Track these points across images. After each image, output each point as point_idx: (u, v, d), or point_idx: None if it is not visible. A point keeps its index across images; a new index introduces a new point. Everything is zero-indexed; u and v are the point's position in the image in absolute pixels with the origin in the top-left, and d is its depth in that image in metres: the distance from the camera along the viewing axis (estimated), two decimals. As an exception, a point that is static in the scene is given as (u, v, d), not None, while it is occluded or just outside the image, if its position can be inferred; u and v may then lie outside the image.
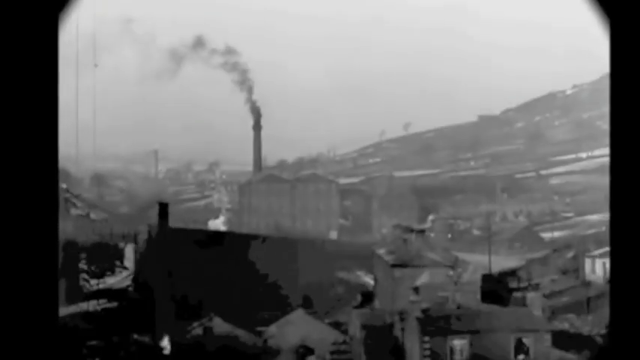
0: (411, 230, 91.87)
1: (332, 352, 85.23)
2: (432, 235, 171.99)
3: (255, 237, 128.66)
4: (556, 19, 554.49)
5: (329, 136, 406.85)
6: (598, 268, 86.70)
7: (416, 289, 73.30)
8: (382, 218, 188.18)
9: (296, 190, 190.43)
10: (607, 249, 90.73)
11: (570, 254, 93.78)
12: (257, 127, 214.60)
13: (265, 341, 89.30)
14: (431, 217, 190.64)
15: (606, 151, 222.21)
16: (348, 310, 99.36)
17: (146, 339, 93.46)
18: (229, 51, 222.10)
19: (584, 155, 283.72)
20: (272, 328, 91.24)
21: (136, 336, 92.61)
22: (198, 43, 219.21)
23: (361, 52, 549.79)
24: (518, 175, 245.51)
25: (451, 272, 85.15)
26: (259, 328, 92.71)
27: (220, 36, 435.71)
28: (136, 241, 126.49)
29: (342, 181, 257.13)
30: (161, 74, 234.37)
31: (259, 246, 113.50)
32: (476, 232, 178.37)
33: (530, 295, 71.48)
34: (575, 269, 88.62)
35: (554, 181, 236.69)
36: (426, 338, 68.57)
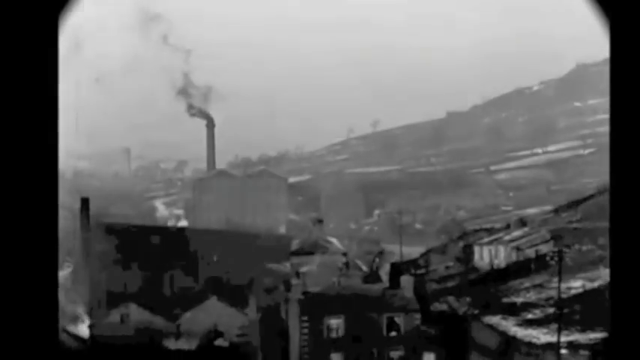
0: (318, 221, 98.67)
1: (238, 335, 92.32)
2: (368, 228, 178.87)
3: (184, 230, 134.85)
4: (529, 16, 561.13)
5: (299, 134, 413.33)
6: (485, 255, 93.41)
7: (297, 274, 79.78)
8: (329, 213, 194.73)
9: (246, 186, 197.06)
10: (493, 237, 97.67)
11: (462, 243, 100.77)
12: (210, 125, 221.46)
13: (179, 326, 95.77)
14: (377, 212, 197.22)
15: (560, 146, 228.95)
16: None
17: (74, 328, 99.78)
18: (187, 53, 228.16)
19: (540, 151, 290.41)
20: (187, 315, 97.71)
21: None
22: (163, 39, 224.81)
23: (332, 48, 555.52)
24: (471, 171, 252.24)
25: (344, 259, 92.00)
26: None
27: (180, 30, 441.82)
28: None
29: (306, 178, 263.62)
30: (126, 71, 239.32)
31: (187, 239, 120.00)
32: (418, 225, 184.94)
33: (403, 279, 77.99)
34: (467, 256, 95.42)
35: (503, 175, 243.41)
36: (305, 318, 75.25)
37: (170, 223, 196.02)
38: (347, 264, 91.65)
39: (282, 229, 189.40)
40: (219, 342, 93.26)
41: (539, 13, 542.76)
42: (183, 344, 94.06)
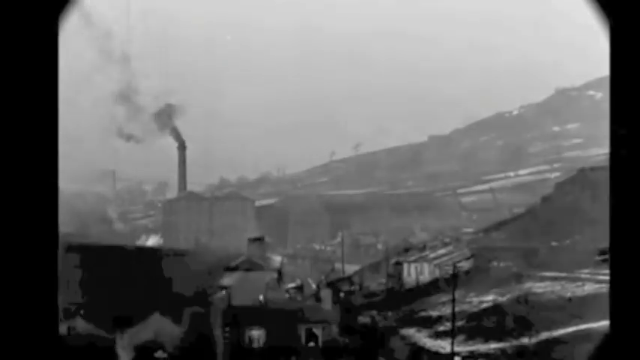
0: (255, 239, 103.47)
1: (176, 348, 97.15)
2: (332, 249, 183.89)
3: (144, 249, 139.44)
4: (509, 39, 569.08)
5: (284, 157, 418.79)
6: (412, 272, 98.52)
7: (222, 287, 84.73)
8: (297, 234, 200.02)
9: (214, 207, 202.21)
10: (419, 255, 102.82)
11: (393, 261, 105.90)
12: (181, 147, 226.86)
13: (121, 339, 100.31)
14: (340, 233, 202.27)
15: (531, 170, 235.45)
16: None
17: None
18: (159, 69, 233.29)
19: (512, 174, 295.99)
20: (131, 329, 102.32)
21: None
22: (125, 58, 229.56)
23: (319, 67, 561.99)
24: (442, 194, 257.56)
25: (276, 275, 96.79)
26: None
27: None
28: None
29: (277, 199, 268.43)
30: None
31: (146, 258, 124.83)
32: (380, 246, 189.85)
33: (323, 292, 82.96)
34: (398, 273, 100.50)
35: (471, 198, 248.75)
36: (227, 329, 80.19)
37: (139, 242, 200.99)
38: (279, 279, 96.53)
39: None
40: (158, 354, 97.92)
41: (521, 38, 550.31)
42: (124, 356, 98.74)
